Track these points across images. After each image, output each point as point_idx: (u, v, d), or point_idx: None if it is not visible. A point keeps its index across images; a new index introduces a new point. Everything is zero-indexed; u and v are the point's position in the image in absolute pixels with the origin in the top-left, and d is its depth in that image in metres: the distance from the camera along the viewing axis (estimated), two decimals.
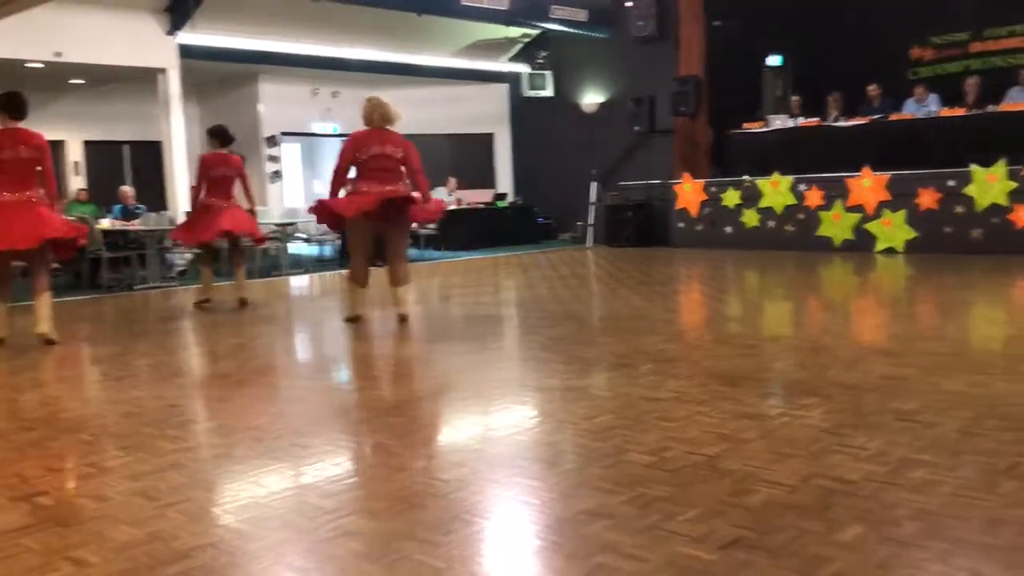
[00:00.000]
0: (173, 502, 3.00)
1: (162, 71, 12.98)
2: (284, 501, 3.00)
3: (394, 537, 2.62)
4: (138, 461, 3.48)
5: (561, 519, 2.72)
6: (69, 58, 12.04)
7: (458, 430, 3.95)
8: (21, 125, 6.62)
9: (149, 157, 15.16)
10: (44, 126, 15.55)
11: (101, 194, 14.15)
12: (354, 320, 6.99)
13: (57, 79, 13.93)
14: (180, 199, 13.30)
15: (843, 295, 8.42)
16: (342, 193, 6.87)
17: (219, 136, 8.48)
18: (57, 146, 15.66)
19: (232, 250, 8.81)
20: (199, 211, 8.43)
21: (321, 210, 6.92)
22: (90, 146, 15.88)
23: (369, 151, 6.68)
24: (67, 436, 3.97)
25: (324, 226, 13.03)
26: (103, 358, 6.11)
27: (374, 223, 6.78)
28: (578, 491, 2.96)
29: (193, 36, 12.70)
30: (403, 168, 6.84)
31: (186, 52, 13.01)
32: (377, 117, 6.80)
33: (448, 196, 15.24)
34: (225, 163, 8.42)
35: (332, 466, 3.36)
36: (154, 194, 13.73)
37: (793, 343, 5.61)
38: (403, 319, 6.90)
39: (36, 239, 6.34)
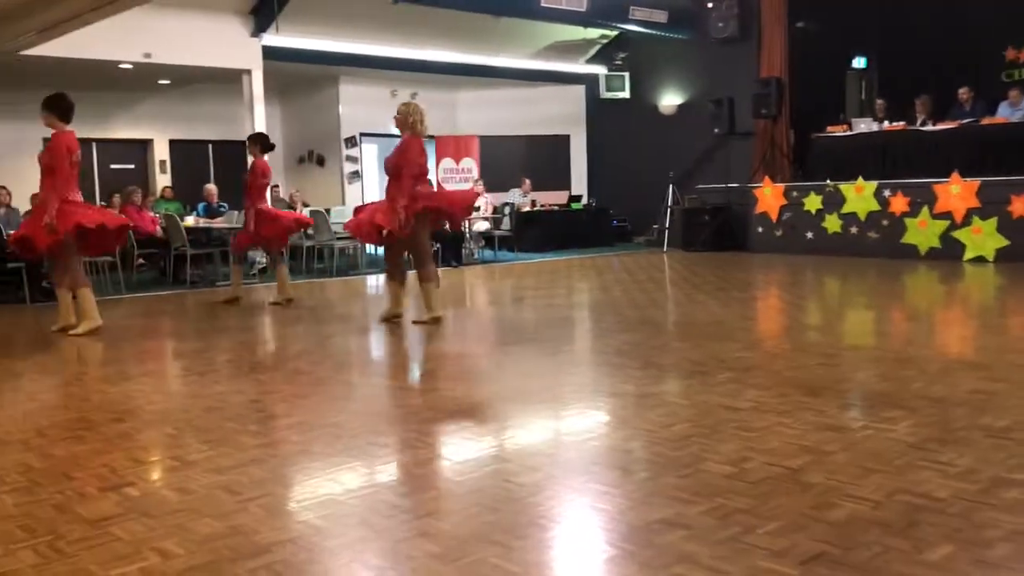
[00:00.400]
0: (254, 496, 3.06)
1: (246, 72, 13.26)
2: (361, 499, 3.03)
3: (469, 540, 2.63)
4: (220, 455, 3.56)
5: (636, 527, 2.70)
6: (158, 59, 12.38)
7: (532, 434, 3.94)
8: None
9: (232, 156, 15.53)
10: (132, 125, 16.14)
11: (186, 192, 14.56)
12: (396, 318, 7.17)
13: (146, 80, 14.35)
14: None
15: (929, 305, 8.18)
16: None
17: (261, 142, 8.81)
18: (144, 145, 16.16)
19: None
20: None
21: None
22: (176, 145, 16.32)
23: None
24: (153, 429, 4.08)
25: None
26: (186, 353, 6.27)
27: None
28: (654, 500, 2.92)
29: (277, 38, 12.94)
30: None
31: (269, 53, 13.27)
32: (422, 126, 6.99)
33: (522, 197, 15.27)
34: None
35: (408, 466, 3.39)
36: (237, 193, 14.03)
37: (876, 353, 5.46)
38: (424, 322, 7.06)
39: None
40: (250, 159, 8.73)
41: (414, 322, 7.03)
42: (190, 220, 11.35)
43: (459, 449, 3.64)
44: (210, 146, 16.75)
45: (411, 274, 7.36)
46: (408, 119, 6.92)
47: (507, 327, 7.18)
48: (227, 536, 2.71)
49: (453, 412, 4.23)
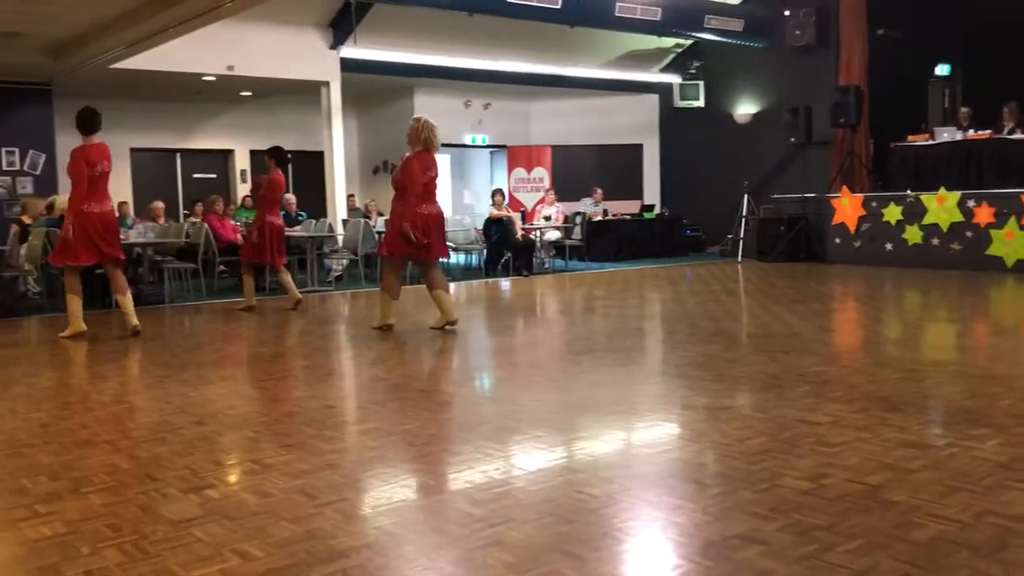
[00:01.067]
0: (330, 501, 3.10)
1: (325, 84, 13.52)
2: (436, 507, 3.05)
3: (543, 550, 2.62)
4: (298, 459, 3.62)
5: (712, 543, 2.66)
6: (240, 71, 12.71)
7: (605, 444, 3.92)
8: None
9: (311, 166, 15.81)
10: (214, 136, 16.56)
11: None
12: (388, 328, 7.27)
13: (228, 91, 14.73)
14: (339, 207, 13.81)
15: (1017, 319, 7.91)
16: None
17: (277, 156, 9.15)
18: (226, 155, 16.58)
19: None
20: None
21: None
22: (256, 155, 16.68)
23: (430, 173, 7.16)
24: (233, 432, 4.18)
25: (477, 233, 13.31)
26: (266, 358, 6.40)
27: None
28: (730, 514, 2.88)
29: (354, 50, 13.17)
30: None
31: (347, 65, 13.51)
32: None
33: (594, 207, 15.23)
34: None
35: (481, 474, 3.40)
36: (315, 202, 14.32)
37: (960, 369, 5.30)
38: (441, 328, 7.25)
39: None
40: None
41: (431, 328, 7.27)
42: None
43: (531, 458, 3.64)
44: (289, 156, 17.08)
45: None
46: (420, 135, 7.12)
47: (578, 337, 7.17)
48: (304, 540, 2.75)
49: (525, 421, 4.23)
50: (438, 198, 7.41)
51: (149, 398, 5.00)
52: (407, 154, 7.17)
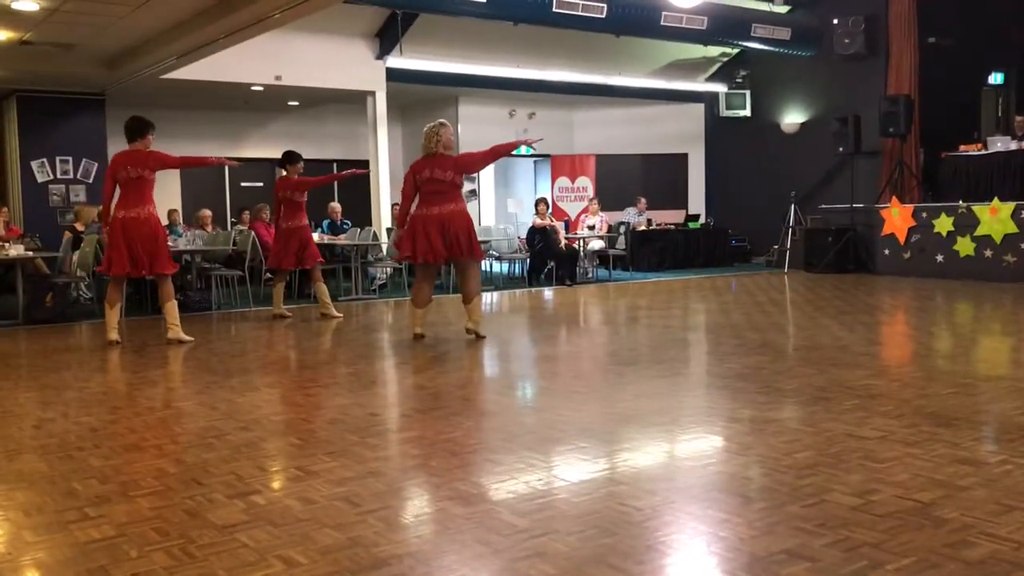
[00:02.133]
0: (373, 509, 3.11)
1: (371, 93, 13.64)
2: (478, 516, 3.04)
3: (586, 563, 2.60)
4: (342, 467, 3.64)
5: (759, 558, 2.62)
6: (287, 81, 12.88)
7: (650, 456, 3.88)
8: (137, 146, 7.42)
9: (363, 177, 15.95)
10: (262, 145, 16.78)
11: (311, 210, 14.98)
12: (417, 338, 7.32)
13: (276, 101, 14.93)
14: (384, 215, 13.91)
15: None
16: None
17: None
18: (273, 163, 16.74)
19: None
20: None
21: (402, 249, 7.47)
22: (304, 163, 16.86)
23: (422, 175, 7.19)
24: (278, 439, 4.21)
25: (521, 242, 13.32)
26: (311, 365, 6.45)
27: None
28: (776, 529, 2.84)
29: (400, 60, 13.28)
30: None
31: (393, 75, 13.63)
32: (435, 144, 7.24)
33: (637, 216, 15.16)
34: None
35: (523, 484, 3.39)
36: (360, 210, 14.43)
37: (1014, 384, 5.17)
38: (475, 336, 7.30)
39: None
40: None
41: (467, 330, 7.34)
42: (315, 237, 11.69)
43: (574, 470, 3.62)
44: (335, 165, 17.25)
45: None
46: (425, 141, 7.23)
47: (621, 347, 7.13)
48: (348, 547, 2.76)
49: (568, 431, 4.21)
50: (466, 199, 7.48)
51: (196, 404, 5.06)
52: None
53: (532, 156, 17.64)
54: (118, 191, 7.31)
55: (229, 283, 10.74)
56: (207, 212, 12.47)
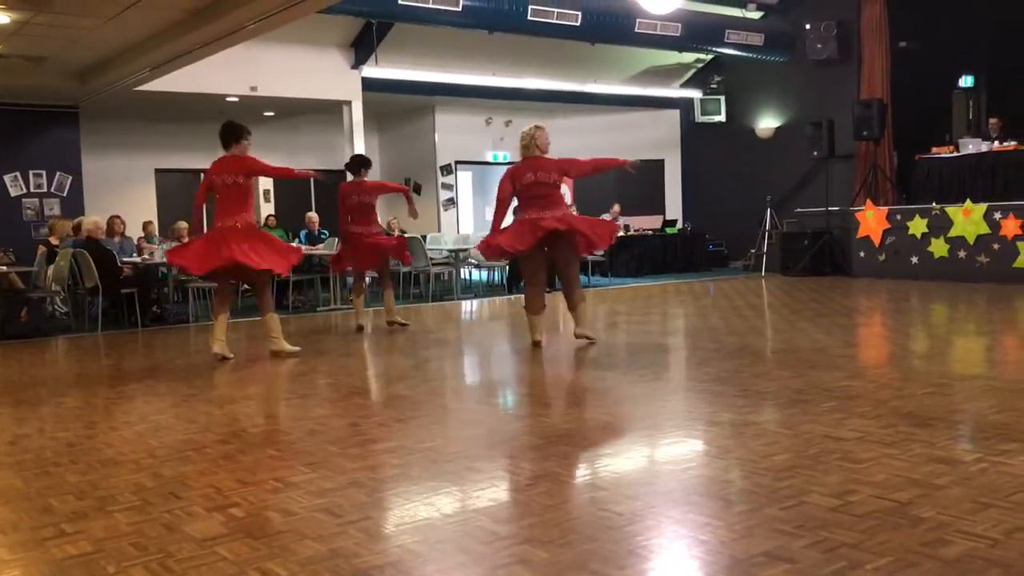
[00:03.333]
0: (354, 520, 3.10)
1: (347, 103, 13.63)
2: (459, 525, 3.04)
3: (567, 569, 2.61)
4: (322, 478, 3.63)
5: (739, 560, 2.63)
6: (263, 92, 12.85)
7: (630, 461, 3.89)
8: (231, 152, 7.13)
9: (333, 185, 15.88)
10: None
11: (288, 220, 14.98)
12: (535, 345, 7.10)
13: (251, 112, 14.86)
14: None
15: None
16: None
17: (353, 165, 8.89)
18: None
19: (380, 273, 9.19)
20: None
21: (492, 249, 7.19)
22: None
23: (523, 180, 6.93)
24: (257, 451, 4.19)
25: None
26: (289, 376, 6.43)
27: (546, 251, 6.92)
28: (756, 532, 2.85)
29: (375, 69, 13.28)
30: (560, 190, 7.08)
31: (368, 85, 13.62)
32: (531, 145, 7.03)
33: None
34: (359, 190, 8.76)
35: (504, 492, 3.39)
36: (337, 220, 14.35)
37: (989, 383, 5.23)
38: (587, 341, 7.10)
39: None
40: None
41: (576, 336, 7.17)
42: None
43: (555, 476, 3.62)
44: (358, 160, 17.18)
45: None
46: (522, 144, 7.07)
47: (601, 353, 7.14)
48: (328, 559, 2.75)
49: (549, 438, 4.21)
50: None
51: (174, 417, 5.03)
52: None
53: (510, 164, 17.65)
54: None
55: (206, 295, 10.67)
56: (183, 224, 12.38)
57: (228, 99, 13.16)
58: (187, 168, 15.87)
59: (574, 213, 7.12)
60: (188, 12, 8.37)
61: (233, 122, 7.23)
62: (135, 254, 11.27)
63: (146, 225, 13.23)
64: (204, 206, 7.19)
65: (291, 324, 9.50)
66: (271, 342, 7.11)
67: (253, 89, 12.73)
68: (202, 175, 15.96)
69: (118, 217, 11.91)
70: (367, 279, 9.51)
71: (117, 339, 8.84)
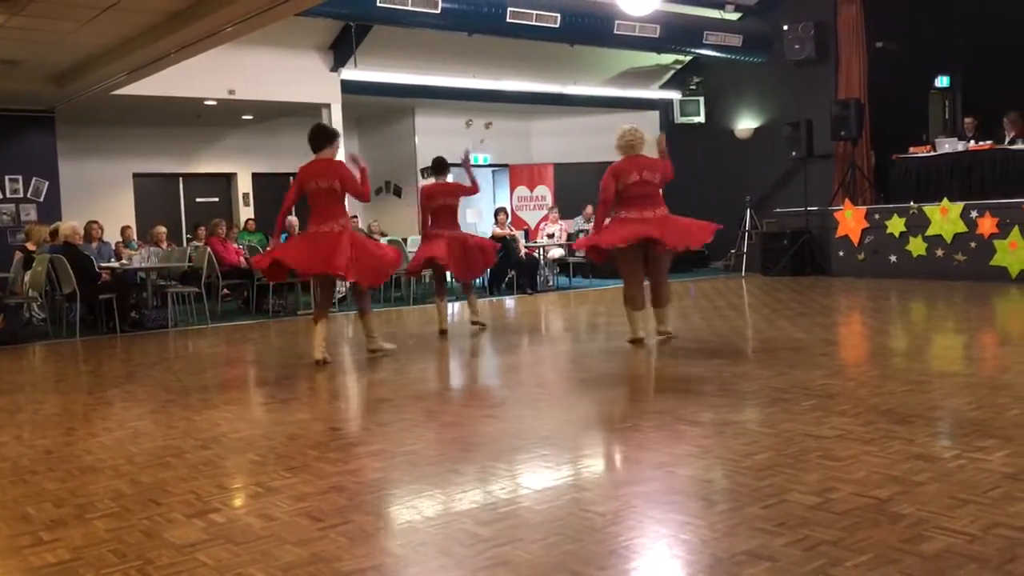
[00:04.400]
0: (335, 524, 3.09)
1: (326, 106, 13.56)
2: (441, 527, 3.03)
3: (549, 570, 2.61)
4: (303, 482, 3.61)
5: (721, 559, 2.64)
6: (241, 95, 12.76)
7: (611, 462, 3.90)
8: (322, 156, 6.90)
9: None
10: (216, 160, 16.62)
11: (268, 224, 14.89)
12: (637, 342, 7.00)
13: (229, 115, 14.79)
14: None
15: (1022, 329, 7.88)
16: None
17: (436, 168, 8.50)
18: (228, 178, 16.63)
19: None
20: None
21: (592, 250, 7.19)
22: (258, 178, 16.73)
23: (628, 179, 6.92)
24: (237, 456, 4.16)
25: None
26: (269, 381, 6.39)
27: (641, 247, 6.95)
28: (737, 531, 2.86)
29: (355, 72, 13.23)
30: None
31: (348, 87, 13.56)
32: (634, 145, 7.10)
33: (585, 224, 15.25)
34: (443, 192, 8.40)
35: (486, 494, 3.38)
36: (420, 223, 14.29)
37: (967, 380, 5.28)
38: (667, 338, 7.05)
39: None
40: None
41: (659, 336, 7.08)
42: None
43: (537, 477, 3.62)
44: (291, 178, 17.09)
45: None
46: (627, 142, 7.16)
47: (583, 354, 7.15)
48: (310, 563, 2.73)
49: (530, 440, 4.21)
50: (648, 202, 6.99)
51: (153, 423, 4.99)
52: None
53: (490, 166, 17.66)
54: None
55: (186, 300, 10.61)
56: (162, 229, 12.32)
57: (206, 103, 13.08)
58: (165, 172, 15.78)
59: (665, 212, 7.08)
60: (165, 15, 8.30)
61: (325, 125, 7.01)
62: (113, 259, 11.18)
63: (124, 230, 13.14)
64: (292, 209, 7.14)
65: (271, 328, 9.45)
66: (369, 341, 7.08)
67: (231, 92, 12.65)
68: (181, 180, 15.97)
69: (96, 222, 11.82)
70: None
71: (95, 345, 8.77)
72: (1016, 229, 10.89)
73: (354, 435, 4.60)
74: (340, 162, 6.98)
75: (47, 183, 13.12)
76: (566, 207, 15.19)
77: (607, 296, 11.81)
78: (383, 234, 13.87)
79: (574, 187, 16.61)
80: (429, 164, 8.64)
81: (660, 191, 7.08)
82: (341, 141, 6.90)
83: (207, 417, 5.06)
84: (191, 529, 3.10)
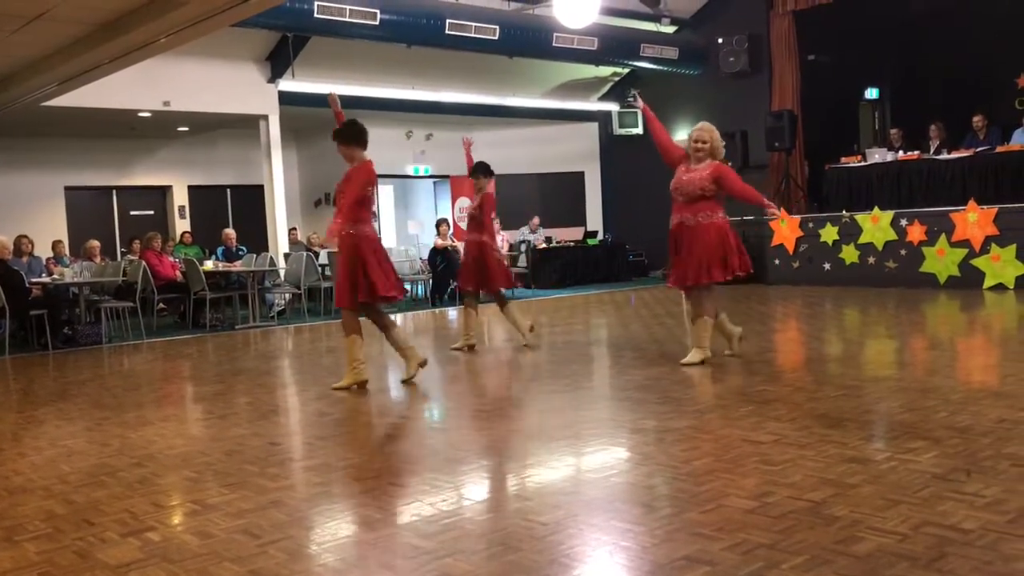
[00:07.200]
0: (274, 540, 3.05)
1: (263, 117, 13.44)
2: (383, 541, 3.01)
3: None
4: (241, 499, 3.56)
5: (660, 565, 2.67)
6: (176, 107, 12.58)
7: (553, 471, 3.91)
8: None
9: (251, 200, 15.67)
10: (151, 172, 16.33)
11: (205, 237, 14.69)
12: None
13: (165, 127, 14.56)
14: (280, 241, 13.67)
15: (950, 334, 8.11)
16: None
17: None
18: (163, 191, 16.35)
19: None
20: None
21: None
22: (194, 190, 16.49)
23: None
24: (173, 473, 4.09)
25: (423, 264, 13.18)
26: (206, 396, 6.29)
27: None
28: (677, 536, 2.89)
29: (292, 83, 13.13)
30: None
31: (285, 99, 13.45)
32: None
33: (531, 234, 15.32)
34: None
35: (428, 506, 3.37)
36: (255, 236, 14.17)
37: (898, 384, 5.41)
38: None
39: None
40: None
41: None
42: (209, 264, 11.43)
43: (479, 488, 3.62)
44: (228, 191, 16.92)
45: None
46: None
47: (525, 364, 7.17)
48: None
49: (472, 451, 4.21)
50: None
51: (87, 441, 4.87)
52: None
53: (431, 177, 17.64)
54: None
55: (120, 315, 10.39)
56: (95, 243, 12.04)
57: (140, 114, 12.87)
58: (98, 185, 15.46)
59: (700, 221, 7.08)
60: (95, 26, 8.14)
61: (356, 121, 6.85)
62: (44, 274, 10.90)
63: (56, 244, 12.82)
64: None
65: (208, 343, 9.30)
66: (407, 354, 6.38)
67: (166, 104, 12.46)
68: (115, 193, 15.64)
69: (26, 236, 11.51)
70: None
71: (26, 362, 8.54)
72: (943, 237, 11.22)
73: (294, 450, 4.55)
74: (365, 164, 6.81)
75: None
76: (508, 218, 15.23)
77: (549, 305, 11.86)
78: (322, 246, 13.74)
79: (515, 198, 16.68)
80: (481, 171, 8.18)
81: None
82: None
83: (142, 434, 4.96)
84: (126, 549, 3.04)
